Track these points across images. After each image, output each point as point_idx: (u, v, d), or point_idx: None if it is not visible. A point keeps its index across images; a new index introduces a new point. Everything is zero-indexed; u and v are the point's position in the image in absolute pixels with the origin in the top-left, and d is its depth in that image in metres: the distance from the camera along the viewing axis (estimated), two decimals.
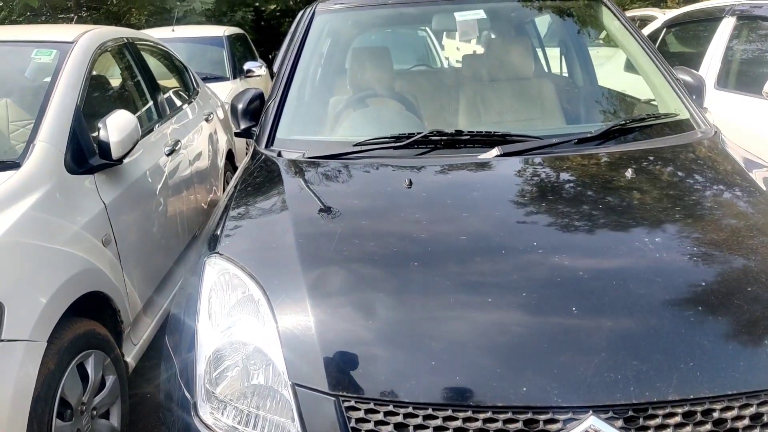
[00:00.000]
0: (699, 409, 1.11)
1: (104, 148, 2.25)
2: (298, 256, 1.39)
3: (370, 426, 1.13)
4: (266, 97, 2.41)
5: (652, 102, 2.32)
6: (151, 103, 3.22)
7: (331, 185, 1.77)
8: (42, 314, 1.66)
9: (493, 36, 3.00)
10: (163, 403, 1.46)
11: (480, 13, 2.45)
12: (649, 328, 1.19)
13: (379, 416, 1.12)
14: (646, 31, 4.43)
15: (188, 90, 4.12)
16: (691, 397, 1.11)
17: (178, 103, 3.73)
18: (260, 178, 1.85)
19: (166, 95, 3.54)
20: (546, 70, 3.10)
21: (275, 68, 2.68)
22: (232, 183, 2.01)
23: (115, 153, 2.26)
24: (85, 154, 2.21)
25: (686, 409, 1.11)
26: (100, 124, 2.28)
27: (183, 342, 1.41)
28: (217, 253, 1.48)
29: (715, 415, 1.11)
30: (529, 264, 1.34)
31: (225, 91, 5.69)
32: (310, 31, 2.48)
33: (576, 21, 2.81)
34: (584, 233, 1.47)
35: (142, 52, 3.38)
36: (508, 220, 1.54)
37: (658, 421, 1.10)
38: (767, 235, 1.44)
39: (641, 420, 1.10)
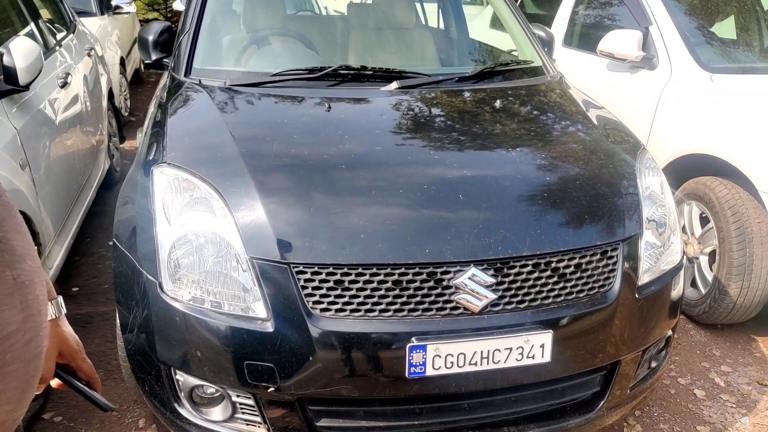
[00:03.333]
0: (543, 261, 1.61)
1: (10, 73, 2.25)
2: (244, 163, 1.67)
3: (315, 283, 1.48)
4: (174, 29, 2.55)
5: (513, 52, 2.84)
6: (37, 33, 3.11)
7: (258, 108, 2.04)
8: None
9: None
10: (120, 293, 1.68)
11: None
12: (512, 208, 1.68)
13: (322, 276, 1.48)
14: None
15: (65, 23, 3.94)
16: (538, 252, 1.60)
17: (60, 35, 3.59)
18: (188, 102, 2.05)
19: (46, 25, 3.41)
20: (424, 22, 3.51)
21: (181, 4, 2.78)
22: (154, 108, 2.18)
23: (23, 79, 2.28)
24: None
25: (534, 261, 1.60)
26: (2, 50, 2.26)
27: (140, 241, 1.63)
28: (165, 162, 1.70)
29: (553, 264, 1.62)
30: (428, 168, 1.77)
31: (94, 27, 5.38)
32: None
33: None
34: (467, 149, 1.92)
35: None
36: (411, 137, 1.94)
37: (516, 270, 1.59)
38: (593, 153, 1.99)
39: (505, 269, 1.58)
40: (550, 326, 1.58)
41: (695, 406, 2.36)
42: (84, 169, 3.24)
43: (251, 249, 1.51)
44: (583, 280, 1.66)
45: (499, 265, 1.57)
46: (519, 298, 1.59)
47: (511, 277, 1.58)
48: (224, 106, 2.01)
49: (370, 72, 2.24)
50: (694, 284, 2.91)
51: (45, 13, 3.76)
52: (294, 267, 1.48)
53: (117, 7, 6.40)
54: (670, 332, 1.94)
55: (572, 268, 1.64)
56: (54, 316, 0.89)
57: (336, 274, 1.49)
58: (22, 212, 2.09)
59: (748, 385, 2.49)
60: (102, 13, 6.21)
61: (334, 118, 1.97)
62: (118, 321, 1.73)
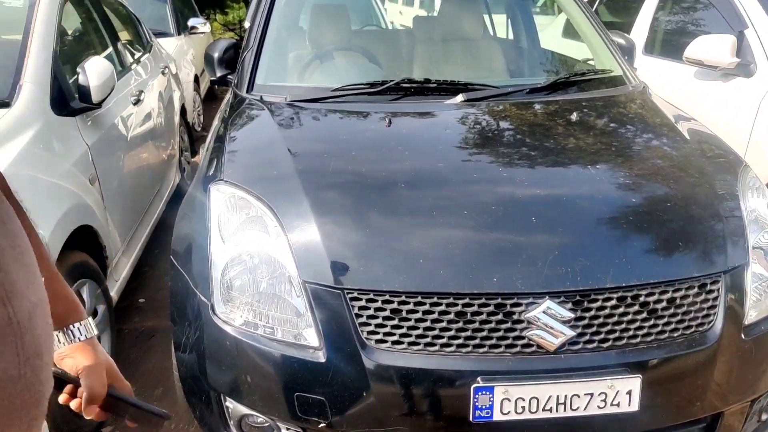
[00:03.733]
0: (629, 294, 1.42)
1: (84, 92, 2.32)
2: (300, 181, 1.59)
3: (370, 312, 1.37)
4: (239, 46, 2.55)
5: (589, 61, 2.64)
6: (113, 52, 3.23)
7: (317, 124, 1.97)
8: (48, 242, 1.77)
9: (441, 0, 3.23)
10: (175, 313, 1.64)
11: None
12: (593, 233, 1.50)
13: (377, 304, 1.37)
14: None
15: (142, 43, 4.10)
16: (624, 284, 1.41)
17: (136, 54, 3.73)
18: (249, 118, 2.02)
19: (124, 46, 3.54)
20: (492, 33, 3.36)
21: (247, 21, 2.80)
22: (217, 124, 2.16)
23: (95, 97, 2.34)
24: (66, 97, 2.28)
25: (620, 294, 1.41)
26: (79, 69, 2.34)
27: (195, 260, 1.59)
28: (222, 180, 1.66)
29: (642, 298, 1.43)
30: (497, 187, 1.63)
31: (171, 46, 5.61)
32: None
33: None
34: (541, 166, 1.76)
35: (101, 2, 3.36)
36: (478, 153, 1.81)
37: (599, 303, 1.40)
38: (684, 170, 1.77)
39: (585, 302, 1.40)
40: (639, 370, 1.39)
41: None
42: (154, 182, 3.31)
43: (304, 272, 1.42)
44: (678, 318, 1.45)
45: (578, 297, 1.39)
46: (601, 336, 1.40)
47: (592, 312, 1.40)
48: (283, 122, 1.96)
49: (434, 85, 2.12)
50: None
51: (125, 35, 3.94)
52: (348, 293, 1.38)
53: (193, 27, 6.67)
54: None
55: (664, 304, 1.44)
56: (89, 336, 0.85)
57: (393, 302, 1.37)
58: (88, 227, 2.12)
59: None
60: (179, 34, 6.50)
61: (395, 134, 1.86)
62: (172, 338, 1.69)
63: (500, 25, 3.35)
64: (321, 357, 1.37)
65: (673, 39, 3.74)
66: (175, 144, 4.04)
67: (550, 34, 4.18)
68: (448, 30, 2.82)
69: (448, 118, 2.01)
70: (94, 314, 2.12)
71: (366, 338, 1.37)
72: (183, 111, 4.54)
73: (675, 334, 1.44)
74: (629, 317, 1.42)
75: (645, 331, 1.43)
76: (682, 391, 1.45)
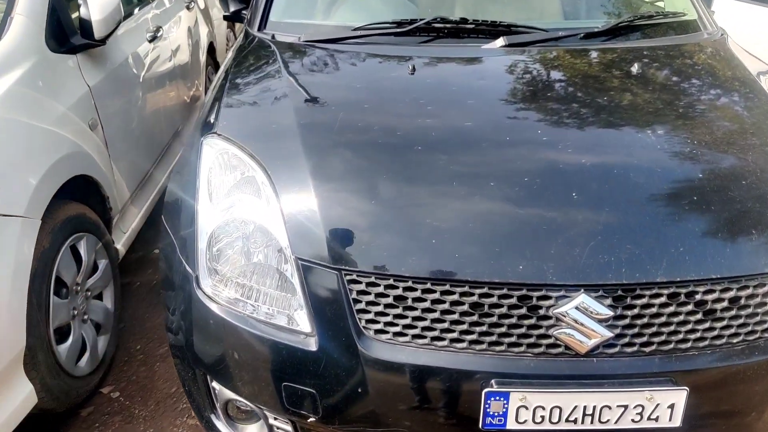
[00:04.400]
0: (683, 291, 1.17)
1: (86, 26, 2.12)
2: (300, 139, 1.37)
3: (370, 298, 1.17)
4: None
5: (658, 2, 2.25)
6: None
7: (330, 70, 1.71)
8: (35, 192, 1.63)
9: None
10: (164, 281, 1.48)
11: None
12: (645, 215, 1.23)
13: (379, 289, 1.16)
14: None
15: None
16: (678, 279, 1.16)
17: None
18: (255, 61, 1.78)
19: None
20: None
21: None
22: (224, 65, 1.94)
23: (98, 32, 2.14)
24: (66, 33, 2.09)
25: (672, 290, 1.16)
26: (80, 1, 2.13)
27: (182, 221, 1.41)
28: (215, 133, 1.45)
29: (698, 296, 1.17)
30: (532, 154, 1.35)
31: None
32: None
33: None
34: (588, 128, 1.47)
35: None
36: (514, 111, 1.53)
37: (645, 300, 1.16)
38: (766, 140, 1.45)
39: (629, 299, 1.16)
40: (686, 380, 1.16)
41: None
42: (173, 124, 3.15)
43: (297, 246, 1.22)
44: (740, 321, 1.21)
45: (620, 292, 1.15)
46: (644, 339, 1.17)
47: (635, 311, 1.16)
48: (292, 66, 1.71)
49: (471, 26, 1.81)
50: None
51: None
52: (346, 274, 1.17)
53: None
54: None
55: (726, 304, 1.19)
56: None
57: (397, 287, 1.16)
58: (87, 177, 1.97)
59: None
60: None
61: (418, 84, 1.59)
62: (165, 303, 1.55)
63: None
64: (312, 344, 1.19)
65: None
66: (201, 84, 3.85)
67: None
68: None
69: (483, 67, 1.72)
70: (94, 270, 2.01)
71: (364, 327, 1.17)
72: (212, 49, 4.32)
73: (735, 340, 1.20)
74: (680, 318, 1.18)
75: (698, 335, 1.19)
76: (737, 408, 1.22)
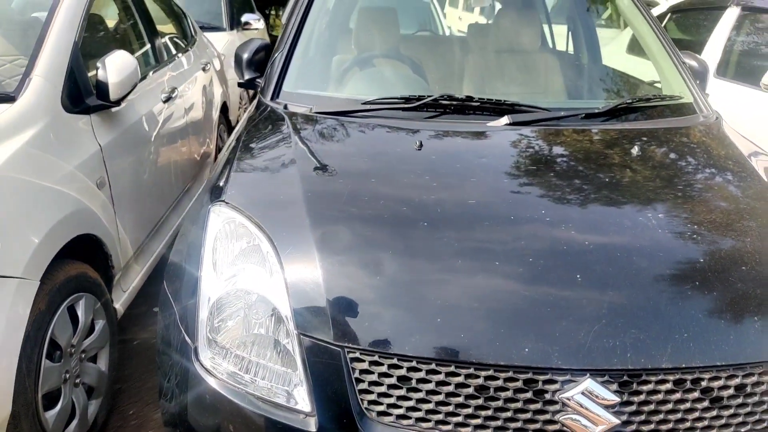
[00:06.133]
0: (689, 377, 1.16)
1: (102, 88, 2.19)
2: (307, 210, 1.39)
3: (374, 378, 1.15)
4: (272, 48, 2.37)
5: (656, 84, 2.34)
6: (148, 46, 3.13)
7: (339, 142, 1.76)
8: (35, 253, 1.63)
9: (499, 7, 2.97)
10: (160, 348, 1.46)
11: None
12: (649, 299, 1.23)
13: (383, 368, 1.15)
14: None
15: (186, 37, 4.00)
16: (683, 366, 1.15)
17: (175, 50, 3.63)
18: (266, 130, 1.82)
19: (163, 40, 3.44)
20: (551, 45, 3.08)
21: (283, 20, 2.62)
22: (236, 133, 1.98)
23: (113, 94, 2.21)
24: (82, 94, 2.15)
25: (677, 377, 1.15)
26: (99, 64, 2.21)
27: (184, 289, 1.41)
28: (223, 201, 1.47)
29: (704, 384, 1.16)
30: (536, 232, 1.37)
31: (222, 42, 5.54)
32: None
33: None
34: (591, 207, 1.49)
35: None
36: (517, 188, 1.55)
37: (651, 386, 1.15)
38: (763, 219, 1.48)
39: (635, 385, 1.14)
40: None
41: None
42: (183, 181, 3.19)
43: (299, 321, 1.21)
44: (748, 409, 1.18)
45: (626, 378, 1.14)
46: (651, 426, 1.15)
47: (642, 397, 1.14)
48: (302, 136, 1.75)
49: (477, 103, 1.87)
50: None
51: (167, 28, 3.85)
52: (349, 352, 1.16)
53: (246, 23, 6.63)
54: None
55: (732, 391, 1.17)
56: None
57: (401, 367, 1.14)
58: (91, 235, 1.98)
59: None
60: (231, 29, 6.45)
61: (424, 159, 1.62)
62: (158, 377, 1.52)
63: (560, 36, 3.07)
64: (312, 425, 1.16)
65: (749, 62, 3.37)
66: (212, 143, 3.93)
67: (613, 49, 3.86)
68: (504, 41, 2.57)
69: (487, 144, 1.77)
70: (91, 330, 1.98)
71: (366, 408, 1.15)
72: (225, 108, 4.44)
73: (742, 429, 1.18)
74: (687, 405, 1.16)
75: (705, 423, 1.17)
76: None
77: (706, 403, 1.17)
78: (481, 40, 2.67)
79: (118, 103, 2.27)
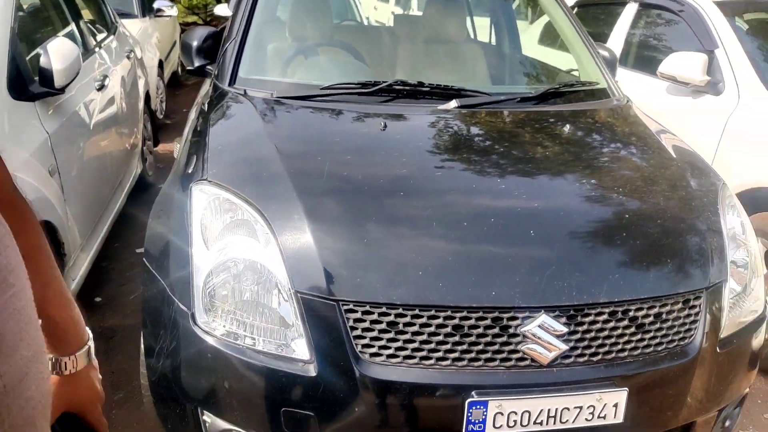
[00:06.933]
0: (620, 309, 1.42)
1: (46, 75, 2.15)
2: (292, 184, 1.51)
3: (366, 324, 1.31)
4: (220, 35, 2.43)
5: (573, 71, 2.64)
6: (77, 33, 3.04)
7: (307, 123, 1.89)
8: None
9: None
10: (148, 319, 1.53)
11: None
12: (588, 248, 1.49)
13: (374, 316, 1.31)
14: None
15: (107, 24, 3.88)
16: (616, 300, 1.41)
17: (100, 36, 3.53)
18: (233, 113, 1.91)
19: (87, 27, 3.34)
20: (474, 37, 3.34)
21: (230, 8, 2.68)
22: (195, 118, 2.05)
23: (58, 81, 2.18)
24: (26, 81, 2.11)
25: (611, 309, 1.41)
26: (40, 50, 2.17)
27: (172, 263, 1.49)
28: (205, 180, 1.56)
29: (631, 313, 1.43)
30: (497, 198, 1.59)
31: (134, 29, 5.35)
32: None
33: None
34: (537, 176, 1.74)
35: None
36: (476, 160, 1.77)
37: (591, 318, 1.39)
38: (672, 187, 1.79)
39: (579, 317, 1.39)
40: (625, 382, 1.39)
41: None
42: (117, 172, 3.14)
43: (296, 281, 1.35)
44: (663, 332, 1.47)
45: (572, 312, 1.38)
46: (593, 350, 1.40)
47: (584, 327, 1.39)
48: (271, 119, 1.86)
49: (427, 89, 2.07)
50: None
51: (86, 14, 3.71)
52: (343, 305, 1.31)
53: (159, 10, 6.40)
54: (747, 390, 1.73)
55: (652, 318, 1.45)
56: (72, 371, 0.74)
57: (390, 314, 1.31)
58: (47, 222, 1.97)
59: None
60: (143, 16, 6.21)
61: (390, 138, 1.80)
62: (142, 343, 1.59)
63: (482, 28, 3.33)
64: (312, 371, 1.31)
65: (646, 53, 3.82)
66: (139, 133, 3.85)
67: (525, 40, 4.21)
68: (431, 31, 2.78)
69: (443, 124, 1.97)
70: None
71: (360, 352, 1.31)
72: (147, 98, 4.34)
73: (659, 348, 1.46)
74: (619, 332, 1.42)
75: (632, 345, 1.43)
76: (662, 403, 1.47)
77: (632, 329, 1.43)
78: (410, 31, 2.87)
79: (62, 90, 2.24)
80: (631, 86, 3.67)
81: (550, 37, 3.80)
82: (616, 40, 3.95)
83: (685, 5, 3.46)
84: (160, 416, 1.56)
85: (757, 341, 1.68)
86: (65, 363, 0.73)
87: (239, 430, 1.39)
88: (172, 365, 1.43)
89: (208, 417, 1.42)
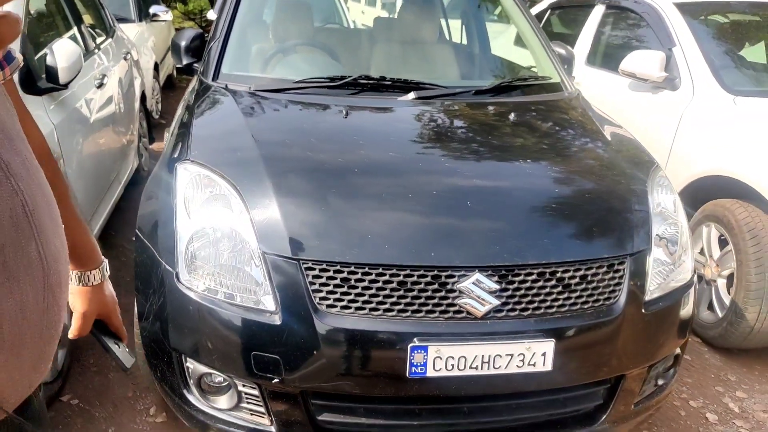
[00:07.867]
0: (548, 270, 1.63)
1: (52, 72, 2.39)
2: (263, 164, 1.75)
3: (323, 280, 1.54)
4: (204, 36, 2.67)
5: (533, 69, 2.88)
6: (78, 35, 3.28)
7: (280, 113, 2.13)
8: None
9: (401, 2, 3.42)
10: (140, 281, 1.76)
11: None
12: (520, 218, 1.72)
13: (329, 273, 1.54)
14: (534, 11, 5.08)
15: (106, 27, 4.12)
16: (544, 262, 1.63)
17: (99, 39, 3.77)
18: (215, 104, 2.15)
19: (88, 30, 3.58)
20: (447, 37, 3.58)
21: (215, 11, 2.91)
22: (182, 109, 2.28)
23: (63, 78, 2.41)
24: (34, 77, 2.34)
25: (539, 270, 1.63)
26: (46, 50, 2.40)
27: (160, 231, 1.72)
28: (188, 160, 1.79)
29: (558, 274, 1.64)
30: (441, 176, 1.82)
31: (131, 33, 5.59)
32: None
33: None
34: (480, 158, 1.98)
35: None
36: (427, 145, 2.01)
37: (521, 277, 1.62)
38: (607, 168, 2.01)
39: (510, 276, 1.61)
40: (553, 335, 1.60)
41: (706, 429, 2.33)
42: (114, 166, 3.37)
43: (264, 245, 1.57)
44: (588, 292, 1.68)
45: (503, 272, 1.60)
46: (522, 305, 1.61)
47: (515, 285, 1.61)
48: (248, 110, 2.10)
49: (389, 82, 2.31)
50: (711, 307, 2.88)
51: (87, 19, 3.96)
52: (303, 263, 1.54)
53: (154, 15, 6.65)
54: (678, 351, 1.94)
55: (577, 279, 1.66)
56: (98, 282, 0.98)
57: (343, 272, 1.54)
58: None
59: (764, 413, 2.45)
60: (140, 20, 6.46)
61: (352, 125, 2.04)
62: (135, 309, 1.81)
63: (455, 30, 3.57)
64: (277, 320, 1.53)
65: (612, 52, 4.04)
66: (135, 130, 4.08)
67: (503, 41, 4.44)
68: (406, 32, 3.02)
69: (400, 114, 2.20)
70: None
71: (318, 303, 1.53)
72: (143, 98, 4.58)
73: (585, 306, 1.66)
74: (547, 290, 1.63)
75: (560, 302, 1.64)
76: (590, 356, 1.68)
77: (560, 288, 1.65)
78: (386, 32, 3.11)
79: (66, 86, 2.47)
80: (599, 83, 3.91)
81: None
82: (585, 41, 4.19)
83: (646, 6, 3.69)
84: (150, 367, 1.78)
85: (686, 308, 1.89)
86: (94, 275, 0.97)
87: (217, 372, 1.62)
88: (160, 320, 1.66)
89: (190, 363, 1.65)
